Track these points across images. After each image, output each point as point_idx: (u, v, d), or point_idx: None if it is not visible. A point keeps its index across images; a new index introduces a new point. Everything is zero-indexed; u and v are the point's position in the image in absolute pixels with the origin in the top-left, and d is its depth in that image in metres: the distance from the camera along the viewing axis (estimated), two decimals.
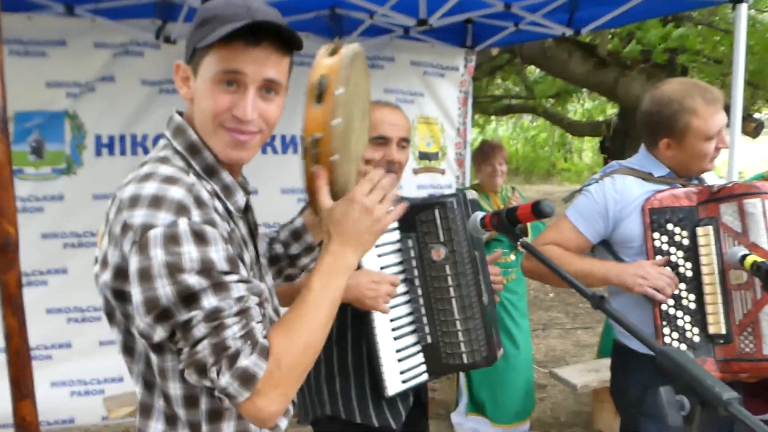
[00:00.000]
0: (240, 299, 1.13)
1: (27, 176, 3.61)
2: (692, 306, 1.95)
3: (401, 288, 1.93)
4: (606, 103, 15.11)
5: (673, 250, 1.98)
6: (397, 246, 1.96)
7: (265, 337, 1.16)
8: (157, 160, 1.22)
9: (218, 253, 1.12)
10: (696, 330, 1.94)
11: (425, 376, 1.99)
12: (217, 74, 1.18)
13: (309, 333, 1.19)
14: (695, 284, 1.96)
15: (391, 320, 1.93)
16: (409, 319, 1.97)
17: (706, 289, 1.94)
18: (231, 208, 1.28)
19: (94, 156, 3.74)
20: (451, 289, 1.92)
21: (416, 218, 1.93)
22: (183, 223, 1.10)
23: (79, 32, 3.61)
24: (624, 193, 2.07)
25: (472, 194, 2.06)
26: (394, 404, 2.02)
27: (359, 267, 1.85)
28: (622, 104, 8.81)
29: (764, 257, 1.80)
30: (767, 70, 7.15)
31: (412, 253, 1.94)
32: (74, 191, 3.68)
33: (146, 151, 3.83)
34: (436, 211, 1.90)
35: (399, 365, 1.92)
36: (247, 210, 1.38)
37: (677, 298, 1.95)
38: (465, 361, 1.95)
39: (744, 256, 1.81)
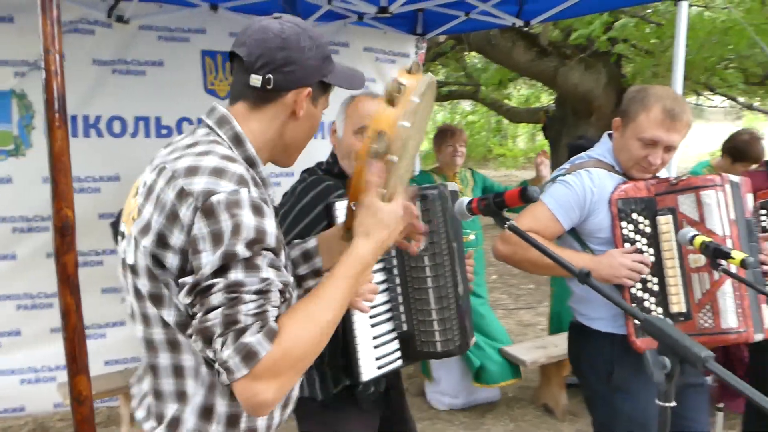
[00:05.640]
0: (264, 280, 1.15)
1: None
2: (655, 288, 2.10)
3: (380, 276, 1.98)
4: (541, 90, 15.46)
5: (638, 237, 2.12)
6: None
7: (276, 322, 1.16)
8: (210, 142, 1.28)
9: (272, 229, 1.18)
10: (660, 309, 2.09)
11: (400, 362, 2.03)
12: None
13: (322, 326, 1.20)
14: (657, 268, 2.11)
15: (370, 308, 1.96)
16: (386, 307, 2.01)
17: (668, 272, 2.09)
18: (268, 200, 1.30)
19: (43, 137, 3.61)
20: (429, 280, 1.96)
21: None
22: (244, 193, 1.16)
23: (26, 8, 3.45)
24: (600, 186, 2.17)
25: (453, 186, 2.12)
26: (367, 388, 2.06)
27: None
28: (561, 92, 9.10)
29: (720, 242, 1.96)
30: (697, 61, 7.54)
31: None
32: (23, 173, 3.55)
33: (99, 133, 3.73)
34: (418, 203, 1.94)
35: (375, 351, 1.96)
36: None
37: (643, 282, 2.10)
38: (439, 349, 2.00)
39: (693, 237, 1.95)
